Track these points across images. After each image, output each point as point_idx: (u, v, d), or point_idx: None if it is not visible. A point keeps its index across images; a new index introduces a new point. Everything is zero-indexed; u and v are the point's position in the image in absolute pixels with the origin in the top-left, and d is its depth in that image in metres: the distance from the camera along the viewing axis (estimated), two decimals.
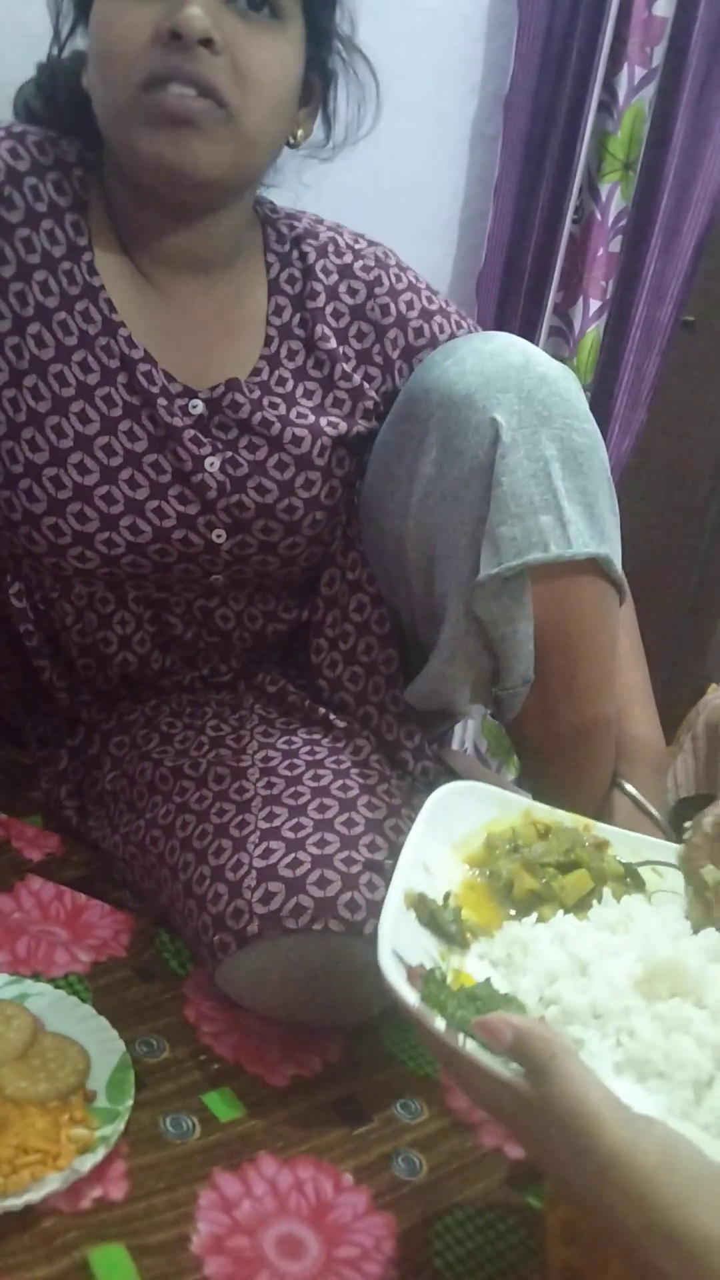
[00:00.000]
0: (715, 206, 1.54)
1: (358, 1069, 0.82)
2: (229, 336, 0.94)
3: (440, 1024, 0.54)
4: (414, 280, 1.02)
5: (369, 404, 0.98)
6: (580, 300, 1.53)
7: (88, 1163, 0.66)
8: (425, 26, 1.36)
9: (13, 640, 1.01)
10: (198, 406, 0.90)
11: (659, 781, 1.01)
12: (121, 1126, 0.69)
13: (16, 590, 0.97)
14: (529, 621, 0.87)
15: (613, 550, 0.88)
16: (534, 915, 0.68)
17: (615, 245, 1.53)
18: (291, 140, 0.90)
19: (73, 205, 0.88)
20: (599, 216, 1.49)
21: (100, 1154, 0.67)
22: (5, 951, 0.84)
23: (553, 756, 0.95)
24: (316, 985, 0.78)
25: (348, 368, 0.97)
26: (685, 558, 2.12)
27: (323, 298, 0.97)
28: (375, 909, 0.75)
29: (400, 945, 0.59)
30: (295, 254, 0.98)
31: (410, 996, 0.55)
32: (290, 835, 0.81)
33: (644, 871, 0.74)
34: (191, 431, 0.90)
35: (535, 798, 0.98)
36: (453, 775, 1.03)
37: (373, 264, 1.00)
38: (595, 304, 1.53)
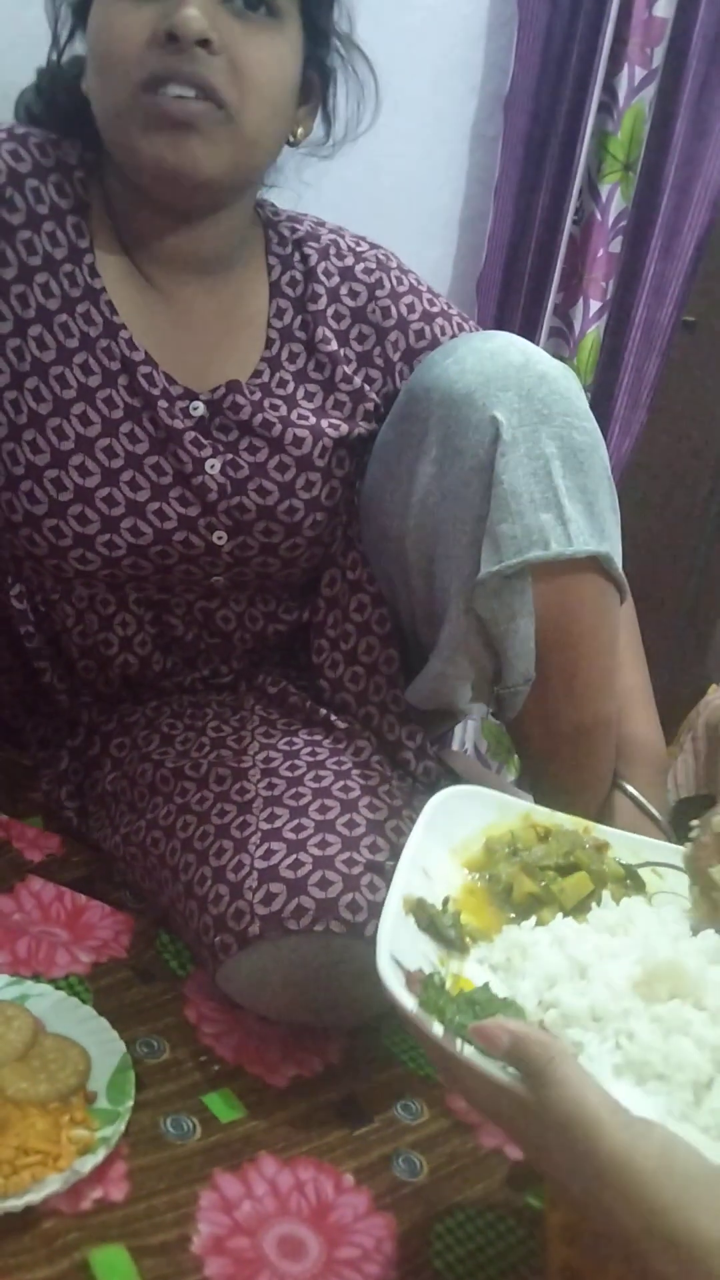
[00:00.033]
0: (715, 207, 1.54)
1: (358, 1070, 0.82)
2: (230, 338, 0.94)
3: (438, 1029, 0.54)
4: (415, 283, 1.02)
5: (369, 406, 0.98)
6: (580, 301, 1.53)
7: (88, 1164, 0.66)
8: (424, 27, 1.36)
9: (13, 642, 1.01)
10: (198, 408, 0.90)
11: (660, 782, 1.01)
12: (122, 1127, 0.69)
13: (18, 592, 0.97)
14: (530, 619, 0.87)
15: (613, 548, 0.88)
16: (533, 919, 0.68)
17: (615, 246, 1.53)
18: (291, 139, 0.90)
19: (74, 207, 0.89)
20: (599, 217, 1.49)
21: (101, 1155, 0.67)
22: (6, 952, 0.84)
23: (553, 756, 0.95)
24: (317, 986, 0.78)
25: (349, 370, 0.97)
26: (685, 558, 2.12)
27: (324, 300, 0.97)
28: (376, 910, 0.75)
29: (399, 950, 0.59)
30: (297, 256, 0.98)
31: (408, 1002, 0.55)
32: (291, 836, 0.81)
33: (644, 873, 0.74)
34: (192, 434, 0.90)
35: (536, 798, 0.98)
36: (453, 776, 1.03)
37: (374, 266, 1.00)
38: (595, 305, 1.53)
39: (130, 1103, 0.71)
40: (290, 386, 0.95)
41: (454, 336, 1.01)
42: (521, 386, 0.84)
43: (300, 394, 0.95)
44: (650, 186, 1.50)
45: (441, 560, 0.89)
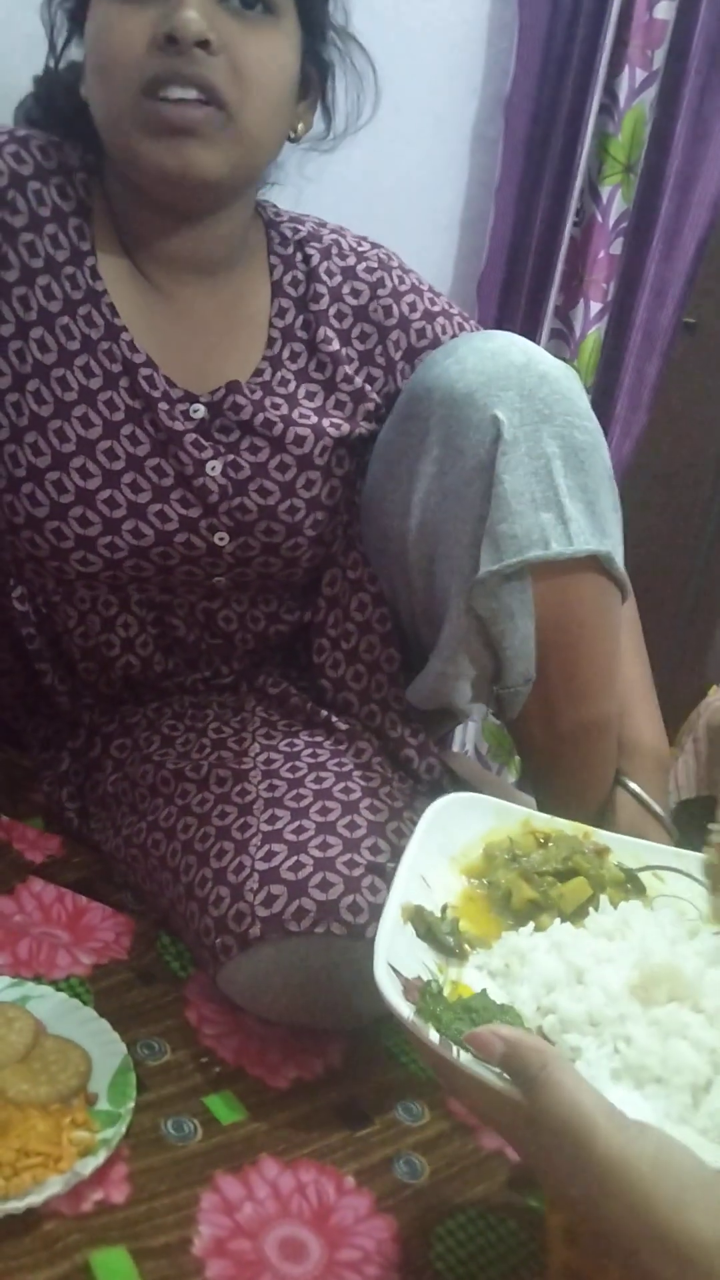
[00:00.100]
0: (716, 209, 1.54)
1: (359, 1072, 0.82)
2: (231, 338, 0.94)
3: (434, 1036, 0.54)
4: (416, 282, 1.02)
5: (371, 405, 0.98)
6: (581, 302, 1.53)
7: (89, 1165, 0.66)
8: (425, 29, 1.36)
9: (15, 643, 1.01)
10: (199, 411, 0.90)
11: (662, 780, 1.01)
12: (123, 1129, 0.69)
13: (19, 594, 0.97)
14: (530, 619, 0.87)
15: (614, 548, 0.88)
16: (531, 924, 0.68)
17: (616, 247, 1.53)
18: (292, 135, 0.90)
19: (76, 209, 0.89)
20: (600, 219, 1.50)
21: (102, 1157, 0.67)
22: (7, 954, 0.85)
23: (555, 756, 0.95)
24: (318, 988, 0.78)
25: (350, 369, 0.98)
26: (686, 559, 2.12)
27: (326, 300, 0.97)
28: (377, 912, 0.75)
29: (398, 958, 0.59)
30: (299, 256, 0.98)
31: (404, 1010, 0.55)
32: (292, 838, 0.81)
33: (645, 877, 0.74)
34: (193, 435, 0.90)
35: (538, 798, 0.98)
36: (454, 777, 1.03)
37: (375, 266, 1.00)
38: (596, 306, 1.54)
39: (131, 1104, 0.71)
40: (291, 385, 0.95)
41: (455, 336, 1.01)
42: (523, 386, 0.84)
43: (301, 393, 0.95)
44: (651, 188, 1.50)
45: (442, 560, 0.89)
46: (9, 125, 0.91)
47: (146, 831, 0.90)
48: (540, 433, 0.84)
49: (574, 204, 1.49)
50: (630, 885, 0.74)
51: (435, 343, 1.00)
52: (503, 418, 0.83)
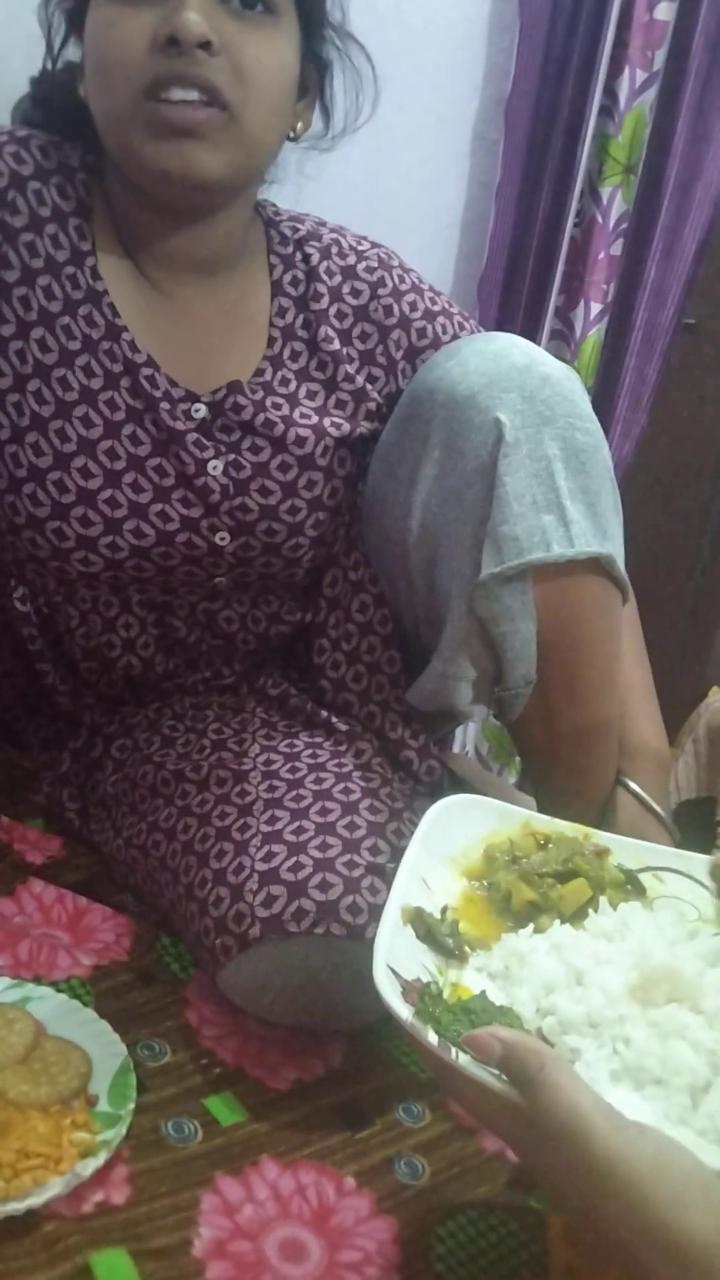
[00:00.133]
0: (716, 209, 1.54)
1: (360, 1073, 0.82)
2: (232, 337, 0.94)
3: (433, 1038, 0.54)
4: (417, 281, 1.02)
5: (372, 405, 0.98)
6: (581, 303, 1.53)
7: (89, 1167, 0.66)
8: (426, 29, 1.36)
9: (16, 644, 1.01)
10: (200, 411, 0.90)
11: (663, 781, 1.01)
12: (123, 1130, 0.69)
13: (21, 594, 0.97)
14: (531, 621, 0.87)
15: (615, 550, 0.88)
16: (531, 926, 0.68)
17: (616, 248, 1.53)
18: (292, 134, 0.90)
19: (76, 209, 0.89)
20: (600, 220, 1.50)
21: (102, 1158, 0.67)
22: (7, 955, 0.84)
23: (555, 757, 0.95)
24: (318, 989, 0.78)
25: (351, 369, 0.97)
26: (686, 561, 2.12)
27: (326, 299, 0.97)
28: (376, 913, 0.75)
29: (397, 959, 0.59)
30: (299, 256, 0.98)
31: (403, 1011, 0.55)
32: (292, 839, 0.81)
33: (645, 878, 0.74)
34: (194, 435, 0.90)
35: (538, 799, 0.98)
36: (454, 778, 1.03)
37: (376, 265, 1.00)
38: (596, 307, 1.54)
39: (131, 1106, 0.71)
40: (292, 385, 0.95)
41: (456, 335, 1.01)
42: (524, 388, 0.84)
43: (302, 393, 0.95)
44: (651, 189, 1.50)
45: (443, 561, 0.89)
46: (9, 125, 0.91)
47: (147, 832, 0.90)
48: (542, 435, 0.84)
49: (574, 205, 1.49)
50: (630, 887, 0.73)
51: (436, 342, 1.00)
52: (504, 420, 0.83)
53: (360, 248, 1.00)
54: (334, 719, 0.95)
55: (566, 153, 1.45)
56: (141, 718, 1.00)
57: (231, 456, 0.91)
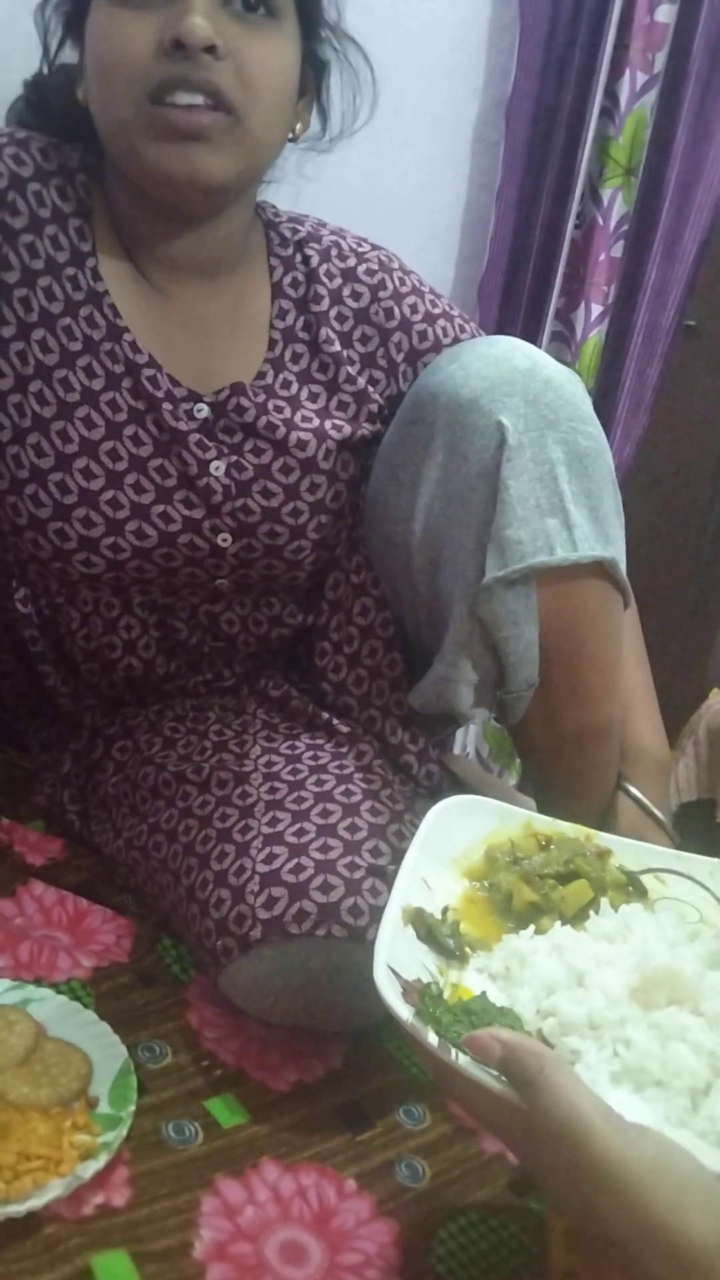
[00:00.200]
0: (716, 211, 1.54)
1: (360, 1075, 0.82)
2: (233, 339, 0.94)
3: (433, 1039, 0.54)
4: (417, 284, 1.02)
5: (373, 407, 0.98)
6: (582, 305, 1.53)
7: (90, 1169, 0.66)
8: (426, 31, 1.36)
9: (17, 645, 1.01)
10: (202, 410, 0.90)
11: (663, 784, 1.01)
12: (124, 1132, 0.69)
13: (22, 595, 0.97)
14: (534, 625, 0.87)
15: (618, 553, 0.88)
16: (532, 927, 0.68)
17: (617, 250, 1.53)
18: (291, 134, 0.90)
19: (76, 211, 0.89)
20: (601, 222, 1.50)
21: (103, 1160, 0.67)
22: (7, 957, 0.84)
23: (556, 760, 0.95)
24: (319, 990, 0.78)
25: (352, 371, 0.98)
26: (687, 563, 2.12)
27: (326, 301, 0.97)
28: (378, 914, 0.75)
29: (398, 960, 0.59)
30: (299, 258, 0.98)
31: (403, 1012, 0.55)
32: (293, 840, 0.81)
33: (646, 879, 0.74)
34: (196, 436, 0.90)
35: (539, 801, 0.98)
36: (455, 780, 1.03)
37: (376, 268, 1.00)
38: (597, 309, 1.54)
39: (132, 1108, 0.71)
40: (294, 388, 0.95)
41: (456, 338, 1.01)
42: (527, 392, 0.84)
43: (304, 395, 0.95)
44: (652, 191, 1.50)
45: (446, 565, 0.89)
46: (9, 127, 0.91)
47: (148, 834, 0.90)
48: (545, 438, 0.84)
49: (575, 207, 1.49)
50: (631, 888, 0.73)
51: (437, 345, 1.00)
52: (507, 423, 0.83)
53: (360, 250, 1.00)
54: (335, 721, 0.95)
55: (567, 155, 1.45)
56: (142, 719, 1.00)
57: (234, 458, 0.91)
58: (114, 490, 0.88)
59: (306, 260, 0.98)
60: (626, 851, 0.76)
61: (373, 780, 0.89)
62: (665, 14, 1.41)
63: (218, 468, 0.90)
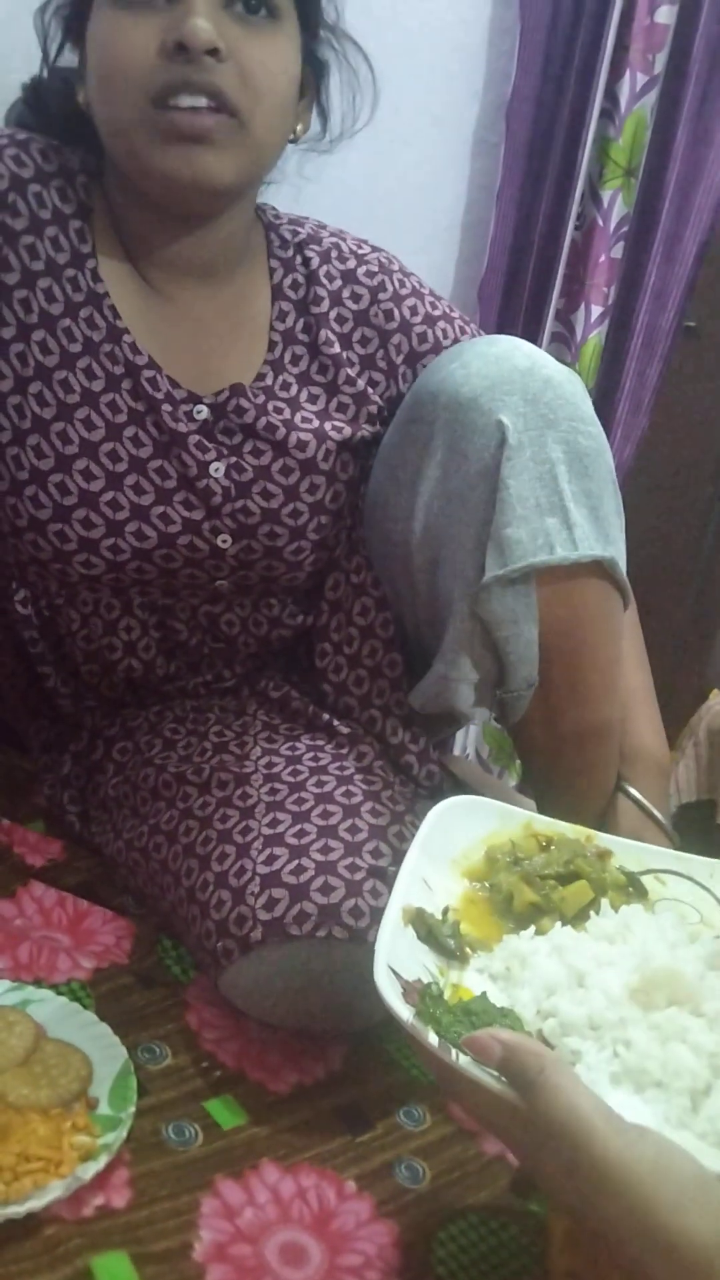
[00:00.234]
0: (717, 213, 1.54)
1: (361, 1076, 0.82)
2: (233, 341, 0.94)
3: (434, 1039, 0.54)
4: (417, 286, 1.02)
5: (373, 409, 0.98)
6: (582, 306, 1.53)
7: (90, 1170, 0.66)
8: (426, 32, 1.36)
9: (17, 646, 1.01)
10: (202, 412, 0.90)
11: (663, 785, 1.01)
12: (124, 1134, 0.69)
13: (22, 597, 0.97)
14: (534, 624, 0.87)
15: (618, 553, 0.88)
16: (532, 928, 0.68)
17: (617, 251, 1.53)
18: (292, 135, 0.91)
19: (77, 212, 0.89)
20: (601, 223, 1.50)
21: (102, 1161, 0.67)
22: (7, 957, 0.84)
23: (556, 760, 0.95)
24: (319, 992, 0.78)
25: (352, 372, 0.98)
26: (687, 564, 2.12)
27: (326, 303, 0.97)
28: (378, 916, 0.75)
29: (398, 960, 0.59)
30: (299, 259, 0.98)
31: (404, 1012, 0.55)
32: (294, 841, 0.81)
33: (647, 880, 0.74)
34: (196, 437, 0.90)
35: (538, 802, 0.98)
36: (455, 781, 1.03)
37: (376, 269, 1.00)
38: (597, 310, 1.54)
39: (132, 1109, 0.71)
40: (293, 389, 0.95)
41: (457, 339, 1.01)
42: (527, 391, 0.84)
43: (303, 396, 0.95)
44: (652, 192, 1.50)
45: (446, 564, 0.89)
46: (10, 128, 0.91)
47: (148, 835, 0.90)
48: (545, 438, 0.84)
49: (575, 208, 1.49)
50: (632, 889, 0.73)
51: (437, 347, 1.00)
52: (507, 422, 0.83)
53: (360, 252, 1.00)
54: (335, 722, 0.95)
55: (567, 156, 1.45)
56: (142, 720, 1.00)
57: (233, 459, 0.91)
58: (114, 492, 0.88)
59: (307, 262, 0.98)
60: (627, 852, 0.76)
61: (373, 781, 0.89)
62: (665, 15, 1.41)
63: (217, 469, 0.90)
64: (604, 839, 0.77)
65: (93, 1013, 0.78)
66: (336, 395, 0.97)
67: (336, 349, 0.97)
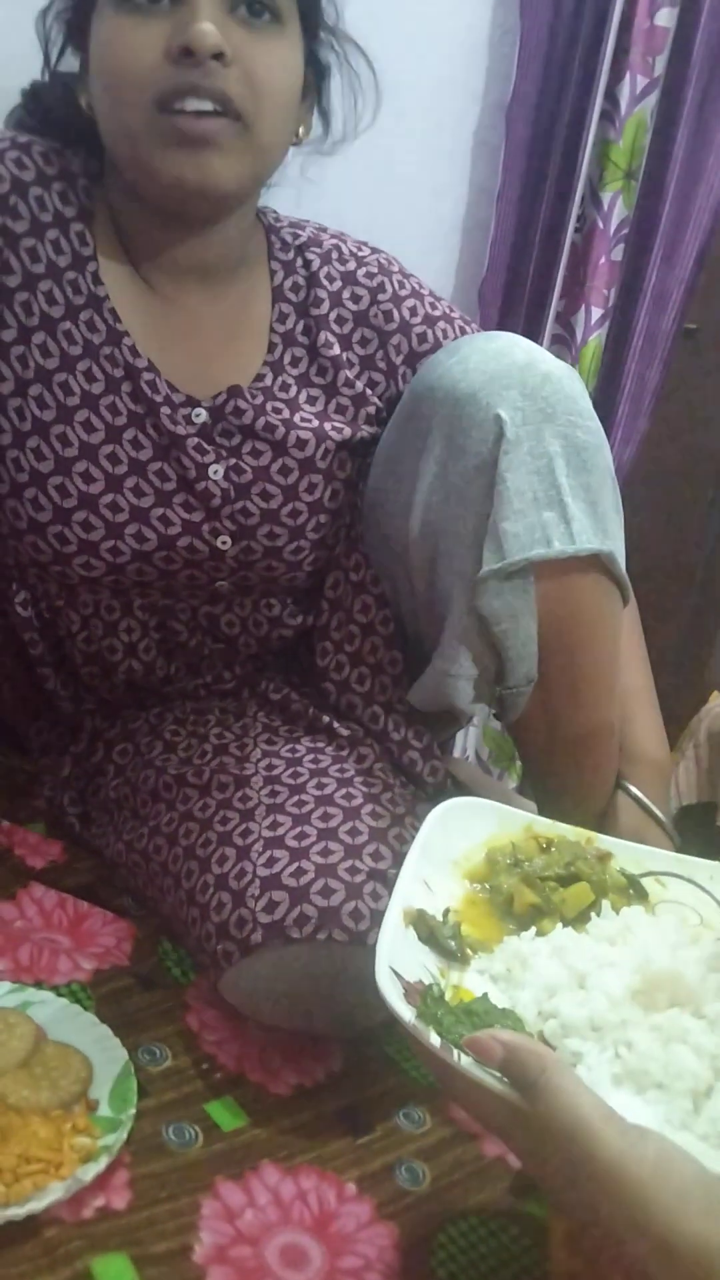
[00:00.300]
0: (717, 215, 1.54)
1: (361, 1078, 0.82)
2: (233, 343, 0.94)
3: (435, 1040, 0.54)
4: (417, 286, 1.03)
5: (371, 410, 0.99)
6: (582, 309, 1.53)
7: (90, 1172, 0.66)
8: (426, 35, 1.36)
9: (17, 648, 1.01)
10: (201, 415, 0.90)
11: (663, 784, 1.01)
12: (124, 1135, 0.69)
13: (22, 599, 0.97)
14: (532, 618, 0.87)
15: (616, 548, 0.88)
16: (533, 929, 0.68)
17: (617, 254, 1.53)
18: (295, 138, 0.91)
19: (78, 215, 0.89)
20: (601, 225, 1.50)
21: (103, 1163, 0.67)
22: (8, 959, 0.84)
23: (556, 759, 0.95)
24: (319, 994, 0.78)
25: (351, 374, 0.98)
26: (687, 566, 2.12)
27: (326, 304, 0.97)
28: (378, 919, 0.75)
29: (399, 962, 0.59)
30: (299, 262, 0.98)
31: (405, 1013, 0.55)
32: (294, 844, 0.81)
33: (647, 882, 0.74)
34: (195, 439, 0.90)
35: (538, 802, 0.98)
36: (456, 783, 1.03)
37: (376, 271, 1.00)
38: (597, 312, 1.54)
39: (132, 1110, 0.71)
40: (293, 390, 0.95)
41: (456, 339, 1.01)
42: (525, 385, 0.84)
43: (303, 397, 0.95)
44: (652, 195, 1.50)
45: (444, 558, 0.89)
46: (11, 131, 0.91)
47: (148, 837, 0.90)
48: (543, 432, 0.84)
49: (575, 210, 1.49)
50: (632, 891, 0.73)
51: (436, 347, 1.00)
52: (505, 416, 0.83)
53: (360, 253, 1.01)
54: (336, 724, 0.95)
55: (567, 158, 1.46)
56: (143, 722, 1.00)
57: (232, 461, 0.91)
58: (113, 494, 0.88)
59: (308, 264, 0.98)
60: (627, 854, 0.76)
61: (373, 784, 0.89)
62: (666, 18, 1.41)
63: (216, 471, 0.90)
64: (604, 841, 0.77)
65: (93, 1014, 0.78)
66: (335, 397, 0.97)
67: (336, 350, 0.97)
